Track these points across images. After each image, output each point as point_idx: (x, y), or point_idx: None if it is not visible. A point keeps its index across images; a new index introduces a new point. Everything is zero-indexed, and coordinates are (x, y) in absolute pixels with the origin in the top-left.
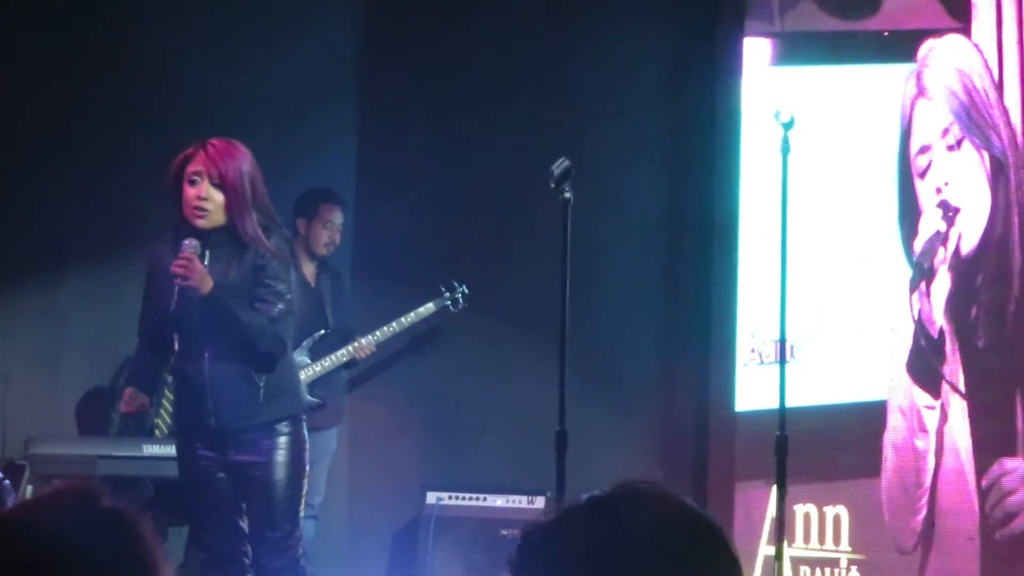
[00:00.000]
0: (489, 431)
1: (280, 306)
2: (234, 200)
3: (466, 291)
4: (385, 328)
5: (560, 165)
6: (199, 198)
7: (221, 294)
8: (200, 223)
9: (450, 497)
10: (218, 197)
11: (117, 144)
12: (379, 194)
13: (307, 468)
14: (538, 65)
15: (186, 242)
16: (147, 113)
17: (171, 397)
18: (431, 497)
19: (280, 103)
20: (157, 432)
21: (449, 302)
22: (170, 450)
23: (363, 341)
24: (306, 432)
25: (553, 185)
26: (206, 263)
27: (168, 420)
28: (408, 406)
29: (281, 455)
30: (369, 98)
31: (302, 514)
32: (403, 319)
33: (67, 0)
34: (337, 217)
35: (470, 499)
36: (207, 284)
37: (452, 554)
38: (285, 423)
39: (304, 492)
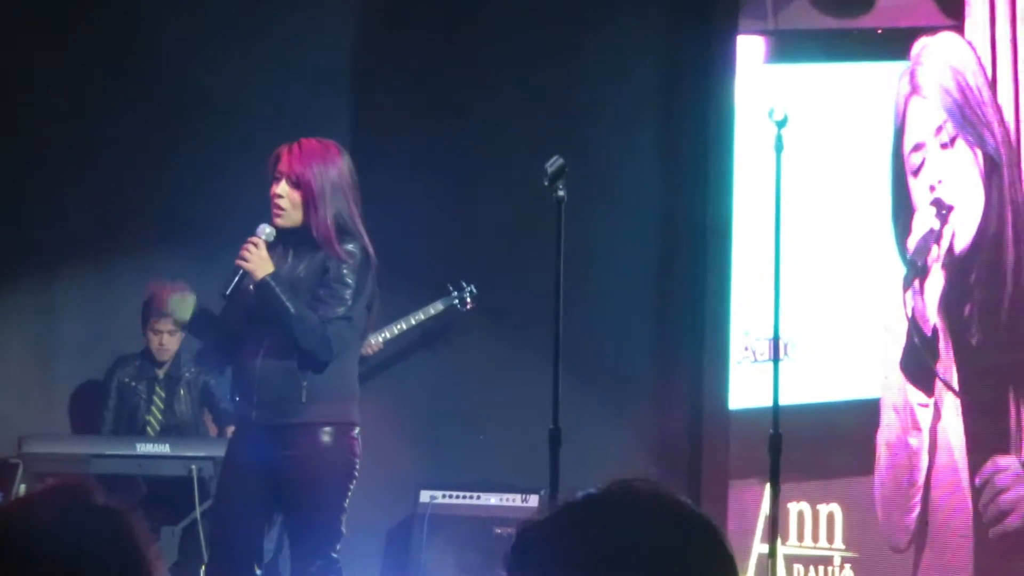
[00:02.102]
0: (483, 429)
1: (339, 310)
2: (309, 199)
3: (474, 291)
4: (394, 326)
5: (554, 163)
6: (276, 195)
7: (274, 282)
8: (277, 221)
9: (444, 495)
10: (295, 196)
11: (111, 142)
12: (374, 195)
13: (350, 483)
14: (532, 64)
15: (260, 227)
16: (142, 112)
17: (162, 394)
18: (425, 495)
19: (277, 104)
20: (149, 430)
21: (457, 301)
22: (164, 448)
23: (371, 340)
24: (355, 447)
25: (547, 183)
26: (288, 260)
27: (160, 417)
28: (401, 405)
29: (320, 459)
30: (365, 99)
31: (343, 528)
32: (411, 318)
33: (66, 0)
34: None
35: (464, 497)
36: (263, 269)
37: (446, 552)
38: (328, 429)
39: (345, 505)
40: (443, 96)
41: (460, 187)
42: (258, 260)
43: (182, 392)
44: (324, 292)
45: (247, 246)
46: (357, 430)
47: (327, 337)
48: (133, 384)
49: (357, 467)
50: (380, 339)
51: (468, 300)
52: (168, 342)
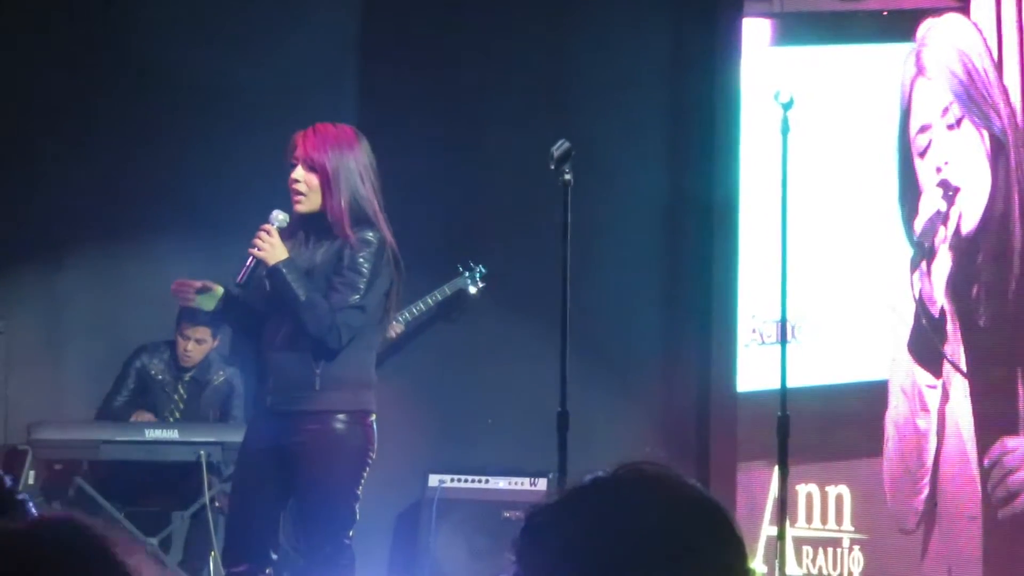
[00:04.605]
0: (491, 413)
1: (353, 298)
2: (324, 183)
3: (483, 270)
4: (412, 308)
5: (560, 147)
6: (293, 181)
7: (286, 269)
8: (298, 207)
9: (452, 479)
10: (312, 180)
11: (118, 128)
12: (381, 178)
13: (363, 471)
14: (538, 48)
15: (273, 214)
16: (150, 98)
17: (183, 394)
18: (433, 480)
19: (283, 89)
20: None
21: (469, 282)
22: (173, 434)
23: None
24: (371, 435)
25: (553, 167)
26: (308, 247)
27: (179, 417)
28: (410, 389)
29: (332, 446)
30: (370, 83)
31: (356, 514)
32: (428, 299)
33: None
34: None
35: (472, 481)
36: (275, 256)
37: (454, 536)
38: (341, 416)
39: (358, 492)
40: (448, 79)
41: (465, 171)
42: (270, 247)
43: (208, 394)
44: (338, 280)
45: (260, 234)
46: (373, 417)
47: (336, 325)
48: (160, 377)
49: (371, 455)
50: (401, 322)
51: (478, 280)
52: (193, 350)
